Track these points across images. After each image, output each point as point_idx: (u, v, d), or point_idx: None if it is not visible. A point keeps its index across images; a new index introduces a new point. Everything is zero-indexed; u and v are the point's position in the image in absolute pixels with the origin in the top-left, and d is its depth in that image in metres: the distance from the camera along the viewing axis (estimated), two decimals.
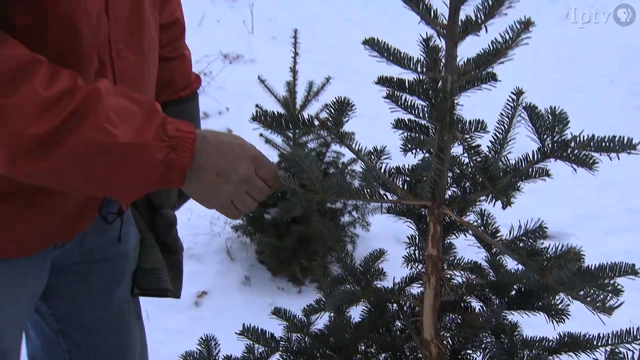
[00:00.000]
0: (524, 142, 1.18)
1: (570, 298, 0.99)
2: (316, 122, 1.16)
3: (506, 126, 1.21)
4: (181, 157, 0.97)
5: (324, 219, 2.63)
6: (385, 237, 2.93)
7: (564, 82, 4.72)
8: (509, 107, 1.20)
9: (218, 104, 4.19)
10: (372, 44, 1.08)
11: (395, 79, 1.15)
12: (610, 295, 0.92)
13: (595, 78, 4.91)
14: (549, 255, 1.06)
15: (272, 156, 2.81)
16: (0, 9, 0.92)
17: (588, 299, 0.93)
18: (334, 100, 1.17)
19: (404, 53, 1.10)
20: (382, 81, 1.16)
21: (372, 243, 2.95)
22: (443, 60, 1.11)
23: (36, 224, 1.10)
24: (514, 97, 1.20)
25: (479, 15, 0.98)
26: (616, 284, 0.97)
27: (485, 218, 1.21)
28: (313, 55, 3.58)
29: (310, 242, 2.67)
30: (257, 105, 2.65)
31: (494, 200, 1.10)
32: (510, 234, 1.16)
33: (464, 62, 1.09)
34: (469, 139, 1.11)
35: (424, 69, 1.12)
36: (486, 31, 1.01)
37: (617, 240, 3.09)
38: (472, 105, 1.14)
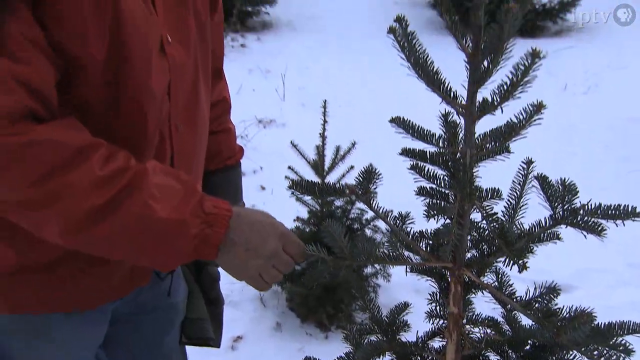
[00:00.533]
0: (534, 206, 1.17)
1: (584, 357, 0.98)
2: (347, 191, 1.16)
3: (518, 193, 1.21)
4: (216, 232, 0.98)
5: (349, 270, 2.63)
6: (405, 288, 2.90)
7: (562, 147, 4.71)
8: (521, 175, 1.21)
9: (253, 163, 4.23)
10: (398, 122, 1.10)
11: (417, 151, 1.16)
12: (622, 355, 0.91)
13: (590, 143, 4.90)
14: (563, 316, 1.04)
15: (302, 212, 2.82)
16: (81, 97, 0.95)
17: (602, 358, 0.91)
18: (363, 169, 1.18)
19: (426, 130, 1.11)
20: (406, 152, 1.17)
21: (393, 293, 2.93)
22: (461, 135, 1.12)
23: (99, 280, 1.11)
24: (525, 166, 1.20)
25: (495, 98, 0.99)
26: (627, 344, 0.96)
27: (501, 277, 1.20)
28: (337, 120, 3.61)
29: (336, 291, 2.65)
30: (289, 167, 2.68)
31: (510, 263, 1.10)
32: (526, 295, 1.15)
33: (481, 137, 1.10)
34: (487, 207, 1.12)
35: (445, 144, 1.13)
36: (502, 112, 1.02)
37: (621, 294, 3.04)
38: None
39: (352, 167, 2.59)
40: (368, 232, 2.69)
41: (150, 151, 1.07)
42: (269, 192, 3.88)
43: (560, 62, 6.66)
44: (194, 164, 1.20)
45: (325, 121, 2.52)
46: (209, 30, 1.18)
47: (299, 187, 1.16)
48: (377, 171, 1.17)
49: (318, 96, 5.77)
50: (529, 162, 1.20)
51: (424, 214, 1.16)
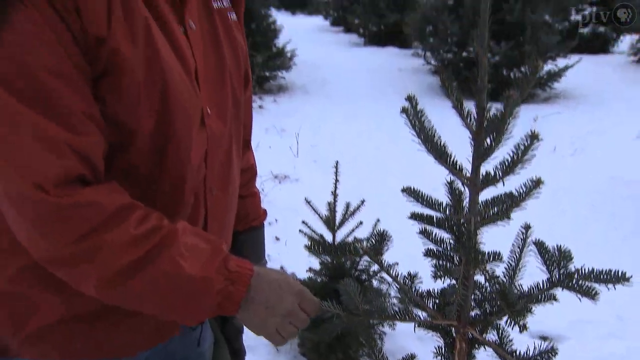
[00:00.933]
0: (531, 266, 1.17)
1: None
2: (360, 251, 1.17)
3: (517, 256, 1.21)
4: (238, 290, 0.99)
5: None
6: (409, 336, 2.86)
7: (553, 205, 4.70)
8: (520, 239, 1.21)
9: (269, 216, 4.23)
10: (409, 192, 1.11)
11: (425, 215, 1.17)
12: None
13: (578, 202, 4.89)
14: None
15: (315, 264, 2.81)
16: (127, 162, 0.98)
17: None
18: (376, 232, 1.19)
19: (434, 199, 1.12)
20: (415, 217, 1.18)
21: (398, 340, 2.89)
22: (466, 202, 1.13)
23: (134, 330, 1.11)
24: (523, 230, 1.21)
25: (497, 173, 1.01)
26: None
27: (502, 334, 1.19)
28: (346, 177, 3.63)
29: (346, 338, 2.62)
30: (303, 222, 2.68)
31: (512, 323, 1.09)
32: (526, 352, 1.14)
33: (483, 205, 1.11)
34: (489, 270, 1.12)
35: (450, 210, 1.14)
36: (503, 184, 1.03)
37: (611, 345, 2.98)
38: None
39: (361, 223, 2.60)
40: (375, 282, 2.67)
41: (186, 212, 1.09)
42: (283, 243, 3.87)
43: (549, 126, 6.71)
44: (225, 225, 1.22)
45: (336, 180, 2.53)
46: (242, 105, 1.21)
47: (316, 248, 1.17)
48: (388, 234, 1.18)
49: (328, 153, 5.86)
50: (527, 227, 1.20)
51: (431, 274, 1.16)
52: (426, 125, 1.07)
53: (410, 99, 1.09)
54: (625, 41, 13.16)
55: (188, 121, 1.03)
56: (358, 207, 2.64)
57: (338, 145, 6.23)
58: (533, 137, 0.94)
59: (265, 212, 1.48)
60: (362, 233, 2.60)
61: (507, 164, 0.99)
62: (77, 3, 0.86)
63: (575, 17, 13.54)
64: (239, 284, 0.98)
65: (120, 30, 0.91)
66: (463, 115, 1.06)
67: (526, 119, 6.00)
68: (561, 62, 8.78)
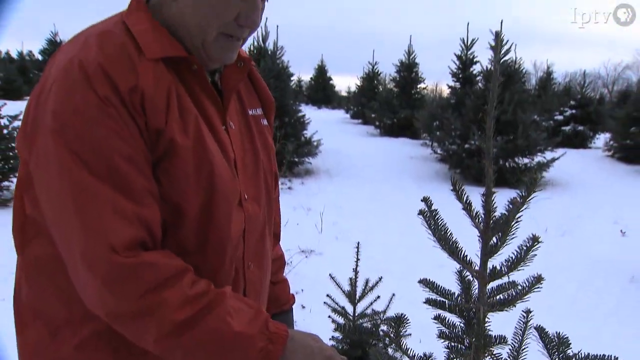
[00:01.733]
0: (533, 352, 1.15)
1: None
2: (381, 333, 1.15)
3: (520, 338, 1.18)
4: (276, 348, 0.97)
5: None
6: None
7: (546, 283, 4.58)
8: (522, 323, 1.18)
9: (296, 286, 4.19)
10: (425, 283, 1.10)
11: (438, 301, 1.16)
12: None
13: (568, 280, 4.77)
14: None
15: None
16: (177, 237, 1.00)
17: None
18: (395, 316, 1.17)
19: (447, 290, 1.11)
20: (429, 302, 1.17)
21: None
22: (474, 291, 1.12)
23: None
24: (525, 314, 1.18)
25: (503, 269, 1.01)
26: None
27: None
28: (365, 252, 3.61)
29: None
30: (328, 295, 2.64)
31: None
32: None
33: (489, 292, 1.10)
34: (496, 354, 1.09)
35: (461, 299, 1.13)
36: (508, 278, 1.03)
37: None
38: None
39: (378, 297, 2.56)
40: (390, 351, 2.59)
41: (228, 282, 1.09)
42: (308, 310, 3.81)
43: (541, 210, 6.65)
44: (260, 294, 1.22)
45: (357, 259, 2.52)
46: (273, 198, 1.24)
47: (343, 329, 1.15)
48: (406, 317, 1.17)
49: (349, 230, 5.85)
50: (528, 312, 1.18)
51: (444, 356, 1.14)
52: (440, 226, 1.08)
53: (425, 200, 1.10)
54: (601, 138, 13.27)
55: (229, 201, 1.05)
56: (376, 284, 2.60)
57: (357, 222, 6.23)
58: (534, 239, 0.94)
59: (293, 297, 1.47)
60: (380, 305, 2.56)
61: (512, 261, 0.99)
62: (144, 103, 0.94)
63: (557, 117, 13.73)
64: (277, 344, 0.97)
65: (176, 124, 0.97)
66: (472, 217, 1.07)
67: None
68: (548, 155, 8.83)
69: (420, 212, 1.07)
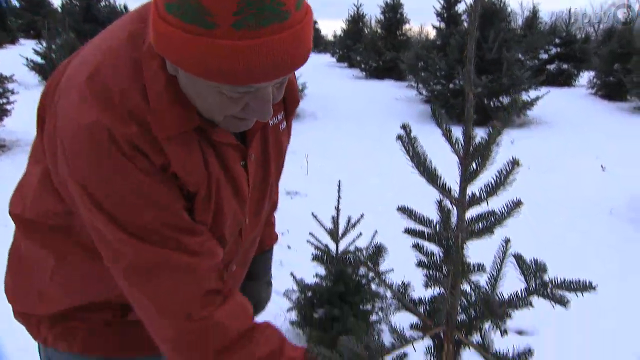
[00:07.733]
0: (511, 279, 1.14)
1: None
2: (360, 264, 1.13)
3: (498, 267, 1.17)
4: None
5: (356, 319, 2.54)
6: None
7: (530, 220, 4.62)
8: (501, 252, 1.17)
9: (282, 227, 4.19)
10: (404, 211, 1.07)
11: (418, 231, 1.13)
12: None
13: (552, 217, 4.81)
14: None
15: (321, 270, 2.75)
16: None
17: None
18: (374, 245, 1.15)
19: (426, 217, 1.08)
20: (409, 232, 1.14)
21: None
22: (453, 220, 1.09)
23: None
24: (504, 244, 1.17)
25: (482, 194, 0.97)
26: None
27: (485, 336, 1.15)
28: (349, 193, 3.60)
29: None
30: (310, 233, 2.64)
31: (494, 327, 1.06)
32: (506, 353, 1.09)
33: (469, 221, 1.08)
34: (474, 280, 1.08)
35: (440, 227, 1.10)
36: (487, 204, 1.00)
37: (577, 337, 2.91)
38: None
39: (360, 234, 2.56)
40: (374, 286, 2.62)
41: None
42: (294, 250, 3.83)
43: (524, 148, 6.67)
44: (239, 285, 1.27)
45: (339, 197, 2.50)
46: (273, 195, 1.24)
47: (322, 260, 1.13)
48: (384, 247, 1.15)
49: (334, 172, 5.82)
50: (507, 241, 1.16)
51: (422, 283, 1.12)
52: (419, 151, 1.03)
53: (404, 127, 1.06)
54: (585, 76, 13.18)
55: (230, 234, 1.07)
56: (358, 220, 2.60)
57: (343, 164, 6.20)
58: (514, 163, 0.90)
59: (277, 237, 1.46)
60: (363, 242, 2.56)
61: (491, 186, 0.96)
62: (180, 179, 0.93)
63: (543, 55, 13.57)
64: None
65: (203, 185, 0.96)
66: (452, 143, 1.02)
67: (504, 141, 5.95)
68: (532, 94, 8.76)
69: (399, 137, 1.02)
